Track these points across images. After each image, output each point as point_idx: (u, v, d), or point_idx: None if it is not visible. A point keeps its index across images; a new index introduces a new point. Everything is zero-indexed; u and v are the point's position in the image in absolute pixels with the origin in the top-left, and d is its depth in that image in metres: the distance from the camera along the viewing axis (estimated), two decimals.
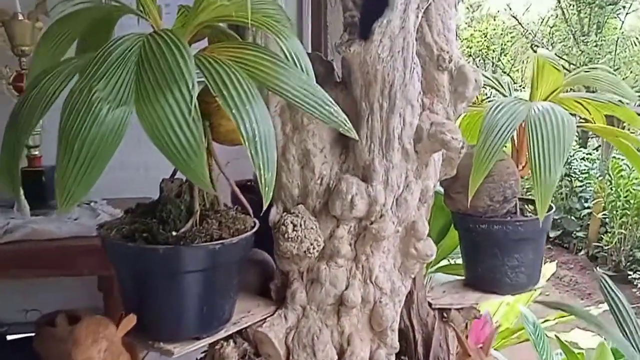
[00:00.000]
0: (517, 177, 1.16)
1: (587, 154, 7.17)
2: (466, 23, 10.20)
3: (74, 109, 0.69)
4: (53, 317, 1.48)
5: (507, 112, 1.02)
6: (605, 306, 2.88)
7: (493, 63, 10.68)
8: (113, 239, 0.86)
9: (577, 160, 6.63)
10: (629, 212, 5.29)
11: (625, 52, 9.15)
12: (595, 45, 10.04)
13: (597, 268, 5.64)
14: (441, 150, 1.03)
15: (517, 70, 11.94)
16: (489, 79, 1.23)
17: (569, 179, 6.23)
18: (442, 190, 1.23)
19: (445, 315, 1.21)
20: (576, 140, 8.47)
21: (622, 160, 5.82)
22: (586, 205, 6.04)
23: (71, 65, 0.79)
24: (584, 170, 6.64)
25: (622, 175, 5.40)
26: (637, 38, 8.95)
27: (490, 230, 1.16)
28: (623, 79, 10.73)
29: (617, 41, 8.64)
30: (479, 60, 10.63)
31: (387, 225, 1.01)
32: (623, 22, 9.42)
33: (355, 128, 1.01)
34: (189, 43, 0.89)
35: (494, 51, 10.46)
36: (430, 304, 1.21)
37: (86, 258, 1.30)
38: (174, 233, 0.84)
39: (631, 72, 11.69)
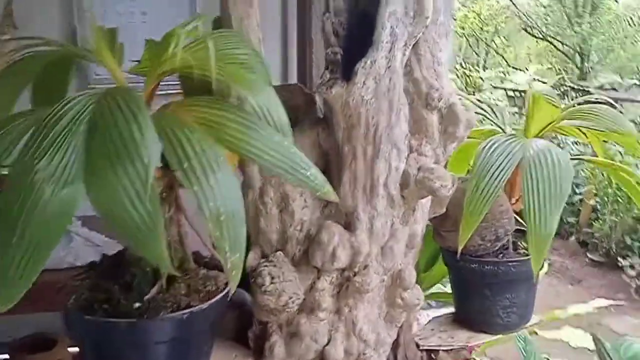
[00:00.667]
0: (510, 214, 1.10)
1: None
2: (460, 3, 10.00)
3: (14, 189, 0.61)
4: (27, 341, 1.42)
5: (501, 152, 0.95)
6: (598, 302, 2.87)
7: (486, 44, 10.56)
8: (70, 309, 0.79)
9: (569, 145, 6.58)
10: (620, 200, 5.27)
11: (619, 32, 9.06)
12: (590, 27, 9.94)
13: (588, 254, 5.67)
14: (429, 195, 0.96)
15: (511, 51, 11.82)
16: (484, 110, 1.15)
17: None
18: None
19: (433, 356, 1.16)
20: None
21: (615, 146, 5.79)
22: (578, 191, 6.02)
23: (20, 125, 0.71)
24: (577, 154, 6.60)
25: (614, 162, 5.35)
26: (631, 18, 8.85)
27: (482, 270, 1.10)
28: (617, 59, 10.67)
29: (611, 22, 8.53)
30: (473, 41, 10.51)
31: (371, 277, 0.94)
32: (618, 1, 9.29)
33: (337, 172, 0.94)
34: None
35: (487, 32, 10.32)
36: (417, 345, 1.15)
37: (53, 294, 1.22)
38: (137, 305, 0.77)
39: (625, 51, 11.62)
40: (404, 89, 0.96)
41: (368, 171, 0.94)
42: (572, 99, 8.67)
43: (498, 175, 0.91)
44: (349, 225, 0.96)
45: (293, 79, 1.80)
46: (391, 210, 0.96)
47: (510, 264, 1.09)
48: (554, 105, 1.06)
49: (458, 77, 10.30)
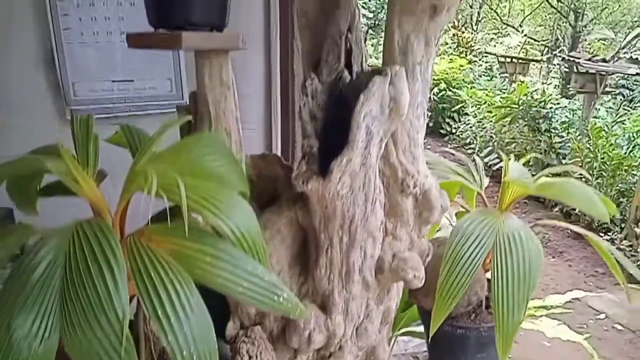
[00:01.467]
0: (483, 281, 1.13)
1: (568, 105, 7.12)
2: None
3: None
4: None
5: (473, 241, 0.97)
6: (574, 293, 2.96)
7: None
8: None
9: (558, 113, 6.57)
10: (604, 174, 5.34)
11: None
12: None
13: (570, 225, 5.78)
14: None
15: (504, 6, 11.58)
16: (462, 172, 1.16)
17: (548, 135, 6.21)
18: None
19: None
20: (559, 93, 8.40)
21: (603, 120, 5.80)
22: (564, 162, 6.07)
23: None
24: (565, 121, 6.61)
25: (600, 136, 5.39)
26: None
27: (454, 332, 1.14)
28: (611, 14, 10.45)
29: None
30: None
31: (346, 357, 0.98)
32: None
33: (315, 255, 0.96)
34: None
35: None
36: None
37: None
38: None
39: (620, 5, 11.41)
40: (380, 171, 0.97)
41: (344, 258, 0.96)
42: (560, 70, 8.59)
43: (469, 266, 0.94)
44: (324, 307, 0.98)
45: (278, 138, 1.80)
46: (366, 292, 0.98)
47: (481, 328, 1.14)
48: (525, 184, 1.07)
49: (450, 37, 10.13)
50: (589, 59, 5.44)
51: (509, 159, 1.17)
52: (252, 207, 0.98)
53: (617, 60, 9.94)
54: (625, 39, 10.38)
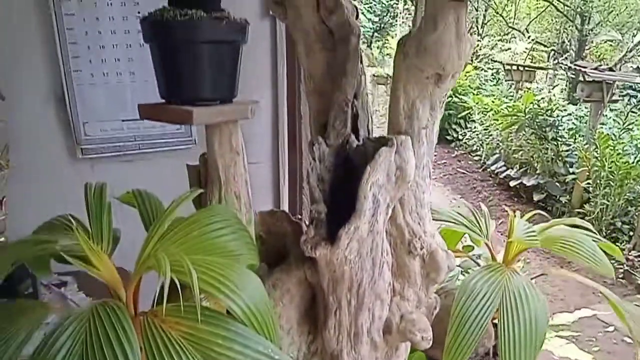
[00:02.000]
0: (490, 333, 1.15)
1: (575, 112, 7.10)
2: None
3: None
4: None
5: (480, 300, 0.98)
6: (582, 312, 2.95)
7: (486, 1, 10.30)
8: None
9: (565, 121, 6.56)
10: (612, 183, 5.32)
11: None
12: None
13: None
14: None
15: (510, 10, 11.53)
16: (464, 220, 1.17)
17: (555, 143, 6.20)
18: None
19: None
20: (566, 98, 8.37)
21: (611, 129, 5.78)
22: (571, 170, 6.06)
23: None
24: (571, 128, 6.60)
25: (608, 145, 5.37)
26: None
27: None
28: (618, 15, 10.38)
29: None
30: None
31: None
32: None
33: (324, 316, 0.98)
34: None
35: None
36: None
37: None
38: None
39: (627, 7, 11.33)
40: (387, 232, 0.99)
41: (352, 320, 0.97)
42: (567, 74, 8.53)
43: (476, 327, 0.95)
44: None
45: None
46: (374, 352, 1.00)
47: None
48: (529, 240, 1.08)
49: None
50: (596, 68, 5.42)
51: (515, 216, 1.18)
52: (261, 267, 1.01)
53: (624, 64, 9.88)
54: (632, 39, 10.34)
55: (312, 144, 0.98)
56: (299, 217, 1.64)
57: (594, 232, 1.19)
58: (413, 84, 0.96)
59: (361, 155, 0.95)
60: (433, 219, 1.08)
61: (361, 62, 0.99)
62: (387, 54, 17.85)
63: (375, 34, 16.27)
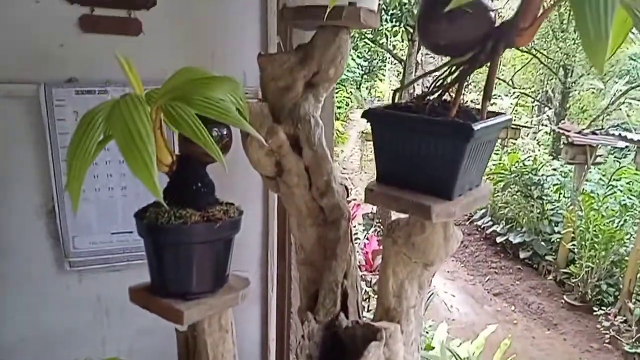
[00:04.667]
0: None
1: (559, 167, 7.22)
2: None
3: None
4: None
5: None
6: None
7: None
8: None
9: (549, 180, 6.66)
10: (597, 246, 5.38)
11: None
12: (574, 43, 9.98)
13: (565, 296, 5.79)
14: None
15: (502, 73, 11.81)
16: None
17: (540, 202, 6.29)
18: None
19: None
20: (549, 152, 8.52)
21: (594, 192, 5.88)
22: (556, 229, 6.13)
23: None
24: (556, 184, 6.70)
25: (592, 208, 5.46)
26: None
27: None
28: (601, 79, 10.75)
29: None
30: None
31: None
32: None
33: None
34: None
35: None
36: None
37: None
38: None
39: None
40: None
41: None
42: (551, 133, 8.55)
43: None
44: None
45: None
46: None
47: None
48: None
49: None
50: (579, 132, 5.55)
51: None
52: None
53: (606, 116, 10.13)
54: (613, 87, 10.63)
55: (302, 321, 0.99)
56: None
57: None
58: (402, 267, 0.98)
59: (350, 337, 0.96)
60: None
61: (351, 240, 1.01)
62: (377, 97, 18.13)
63: (365, 76, 16.56)
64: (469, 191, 0.87)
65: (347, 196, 1.02)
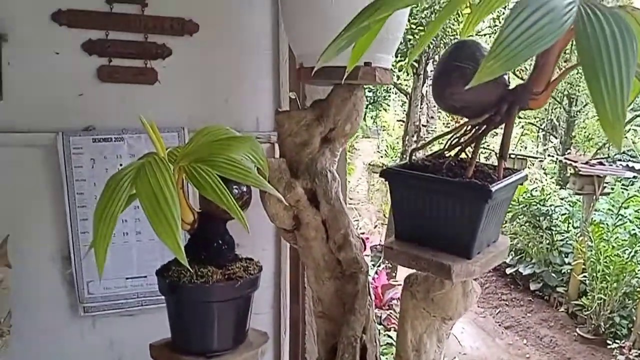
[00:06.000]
0: None
1: (567, 197, 7.19)
2: None
3: None
4: None
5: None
6: None
7: None
8: None
9: (557, 208, 6.62)
10: (608, 277, 5.32)
11: None
12: (577, 72, 10.09)
13: (577, 329, 5.70)
14: None
15: None
16: None
17: (550, 232, 6.25)
18: None
19: None
20: (556, 180, 8.51)
21: (603, 221, 5.85)
22: (566, 260, 6.08)
23: None
24: (564, 213, 6.65)
25: (602, 239, 5.41)
26: None
27: None
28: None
29: None
30: None
31: None
32: None
33: None
34: None
35: None
36: None
37: None
38: None
39: None
40: None
41: None
42: (558, 163, 8.55)
43: None
44: None
45: None
46: None
47: None
48: None
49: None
50: (586, 162, 5.56)
51: None
52: None
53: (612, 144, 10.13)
54: None
55: None
56: None
57: None
58: (420, 320, 0.98)
59: None
60: None
61: (369, 294, 1.02)
62: (382, 127, 18.25)
63: (370, 106, 16.71)
64: (487, 247, 0.88)
65: (364, 249, 1.03)
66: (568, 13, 0.62)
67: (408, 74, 8.56)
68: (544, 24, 0.60)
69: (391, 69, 1.06)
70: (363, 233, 5.47)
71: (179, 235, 0.75)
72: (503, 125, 0.83)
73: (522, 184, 1.01)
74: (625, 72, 0.56)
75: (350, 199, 10.55)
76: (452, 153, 0.88)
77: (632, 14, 0.79)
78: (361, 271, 1.00)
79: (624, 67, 0.56)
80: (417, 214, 0.86)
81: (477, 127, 0.84)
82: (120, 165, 1.74)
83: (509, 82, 0.83)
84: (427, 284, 0.93)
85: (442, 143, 0.94)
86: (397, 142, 11.46)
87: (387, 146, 13.77)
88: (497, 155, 0.83)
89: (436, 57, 6.52)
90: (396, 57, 7.09)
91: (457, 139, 0.88)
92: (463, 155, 0.91)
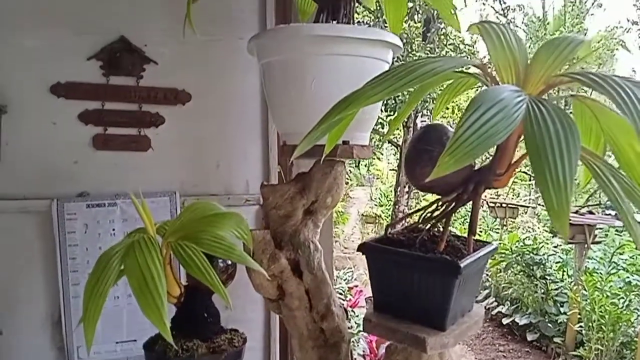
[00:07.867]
0: None
1: (560, 244, 7.21)
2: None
3: None
4: None
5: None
6: None
7: None
8: None
9: (548, 256, 6.62)
10: (604, 328, 5.28)
11: None
12: None
13: None
14: None
15: None
16: None
17: (544, 282, 6.24)
18: None
19: None
20: (549, 228, 8.55)
21: (597, 270, 5.86)
22: (562, 310, 6.04)
23: None
24: (558, 261, 6.65)
25: (596, 288, 5.41)
26: None
27: None
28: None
29: None
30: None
31: None
32: None
33: None
34: None
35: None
36: None
37: None
38: None
39: None
40: None
41: None
42: None
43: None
44: None
45: None
46: None
47: None
48: None
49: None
50: (576, 212, 5.62)
51: None
52: None
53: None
54: (609, 160, 10.76)
55: None
56: None
57: None
58: None
59: None
60: None
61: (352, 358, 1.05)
62: (376, 176, 18.39)
63: None
64: (462, 318, 0.92)
65: (347, 318, 1.06)
66: (518, 110, 0.68)
67: (398, 128, 8.76)
68: (497, 121, 0.66)
69: (369, 144, 1.12)
70: (356, 286, 5.44)
71: (164, 313, 0.79)
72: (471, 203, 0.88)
73: (493, 257, 1.06)
74: (568, 168, 0.62)
75: (345, 248, 10.51)
76: (426, 227, 0.94)
77: (584, 102, 0.86)
78: (344, 340, 1.03)
79: (567, 163, 0.62)
80: (393, 287, 0.90)
81: (447, 204, 0.90)
82: (113, 230, 1.78)
83: (475, 163, 0.89)
84: (405, 353, 0.96)
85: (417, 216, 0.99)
86: (390, 191, 11.56)
87: (380, 194, 13.85)
88: (467, 230, 0.88)
89: (424, 112, 6.70)
90: (386, 111, 7.27)
91: (430, 214, 0.94)
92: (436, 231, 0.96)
